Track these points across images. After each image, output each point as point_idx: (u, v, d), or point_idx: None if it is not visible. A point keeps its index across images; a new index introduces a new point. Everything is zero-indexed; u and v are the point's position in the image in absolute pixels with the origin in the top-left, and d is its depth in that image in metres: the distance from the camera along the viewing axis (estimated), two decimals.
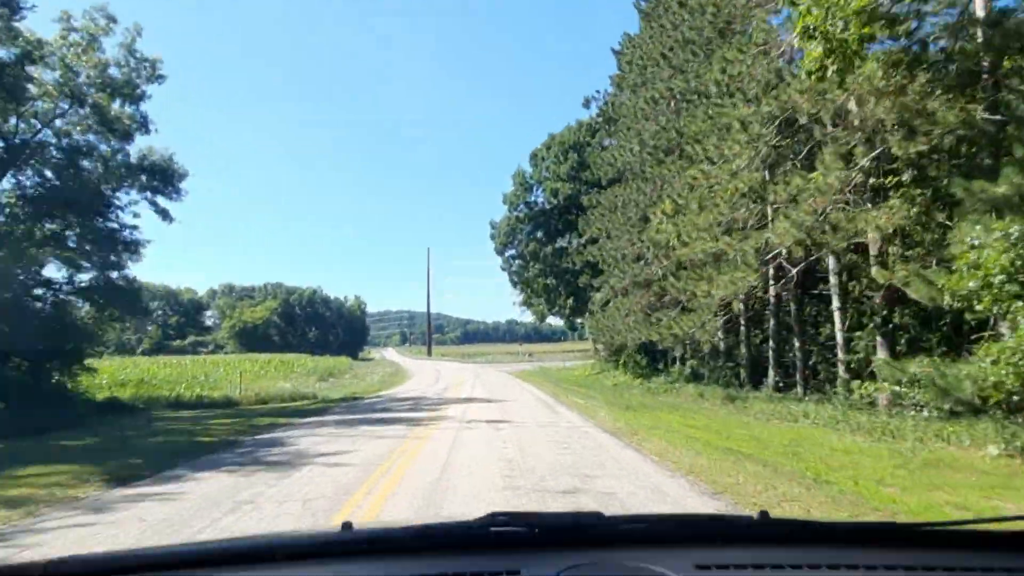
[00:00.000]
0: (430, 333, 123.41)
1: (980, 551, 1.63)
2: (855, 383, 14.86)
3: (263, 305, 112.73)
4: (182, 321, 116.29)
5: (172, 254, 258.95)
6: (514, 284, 41.66)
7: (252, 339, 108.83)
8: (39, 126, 20.63)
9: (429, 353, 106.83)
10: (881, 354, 14.67)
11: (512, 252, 42.62)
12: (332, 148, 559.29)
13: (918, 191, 13.54)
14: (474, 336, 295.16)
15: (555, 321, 59.29)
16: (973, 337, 11.68)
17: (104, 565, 1.59)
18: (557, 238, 39.79)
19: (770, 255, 17.01)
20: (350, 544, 1.71)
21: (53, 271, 21.07)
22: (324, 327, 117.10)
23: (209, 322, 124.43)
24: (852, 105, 12.78)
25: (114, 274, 22.14)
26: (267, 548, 1.70)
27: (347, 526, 1.77)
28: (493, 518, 1.64)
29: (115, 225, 22.27)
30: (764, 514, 1.76)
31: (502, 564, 1.52)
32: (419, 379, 38.92)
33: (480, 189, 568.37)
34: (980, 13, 11.40)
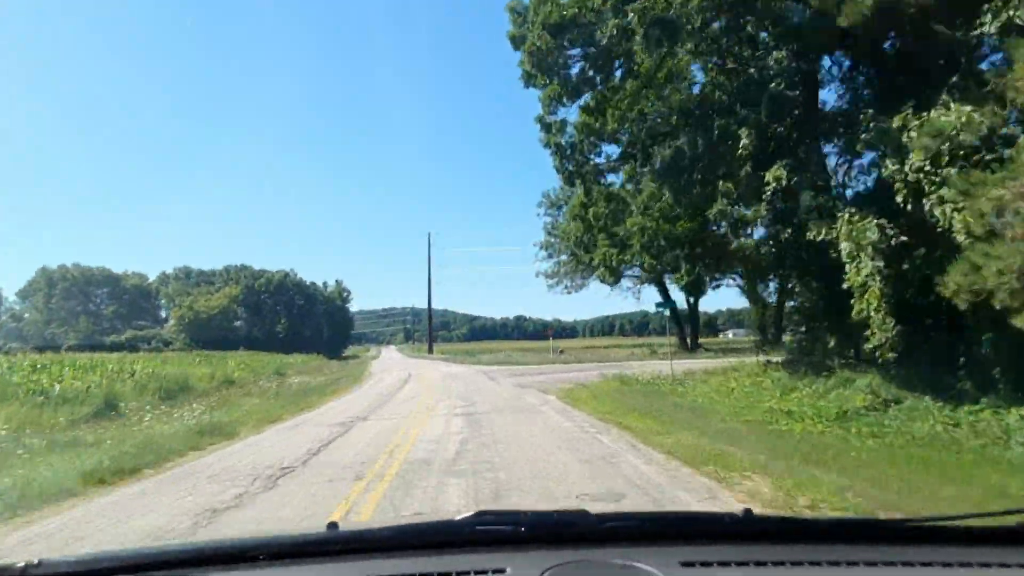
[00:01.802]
0: (431, 329, 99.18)
1: (959, 546, 1.59)
2: None
3: (222, 292, 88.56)
4: (122, 311, 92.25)
5: (122, 233, 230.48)
6: (569, 178, 15.49)
7: (207, 333, 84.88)
8: None
9: (430, 350, 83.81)
10: None
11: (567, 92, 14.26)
12: (327, 132, 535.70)
13: None
14: (481, 333, 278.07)
15: (644, 292, 35.84)
16: None
17: (83, 567, 1.52)
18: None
19: None
20: (335, 544, 1.63)
21: None
22: (299, 318, 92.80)
23: (164, 312, 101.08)
24: None
25: None
26: (251, 548, 1.61)
27: (333, 526, 1.70)
28: (479, 516, 1.62)
29: None
30: (748, 511, 1.71)
31: (488, 562, 1.48)
32: (311, 424, 14.05)
33: (486, 175, 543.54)
34: None
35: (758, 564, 1.47)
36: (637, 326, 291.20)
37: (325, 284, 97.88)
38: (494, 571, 1.44)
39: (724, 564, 1.47)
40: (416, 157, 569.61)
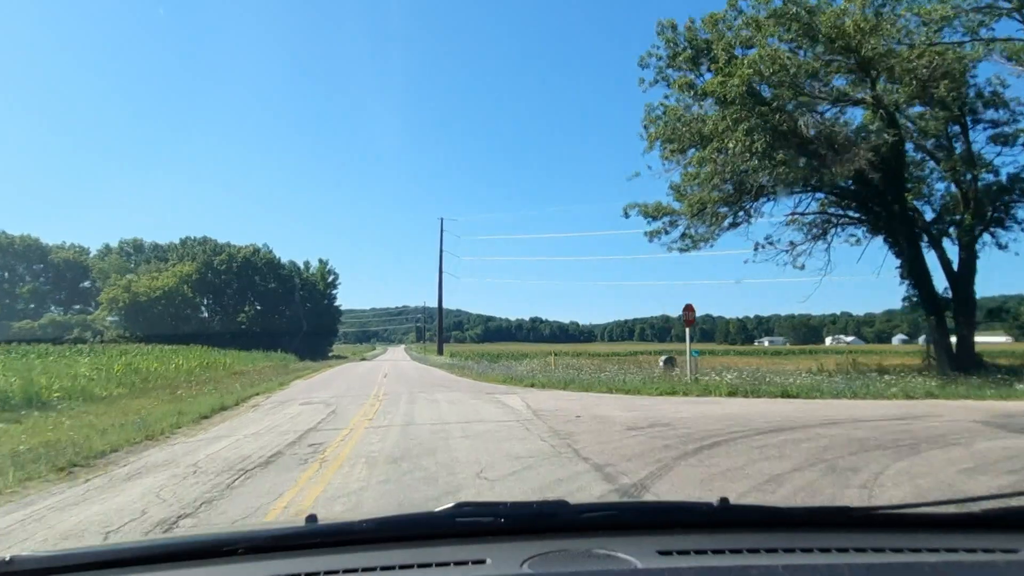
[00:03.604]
0: (441, 326, 77.05)
1: (927, 533, 1.60)
2: None
3: (171, 270, 66.28)
4: (49, 291, 70.26)
5: (73, 204, 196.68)
6: None
7: (150, 321, 62.92)
8: None
9: (440, 351, 63.23)
10: None
11: None
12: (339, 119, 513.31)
13: None
14: (496, 334, 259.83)
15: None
16: None
17: (57, 563, 1.43)
18: None
19: None
20: (314, 536, 1.57)
21: None
22: (272, 305, 70.31)
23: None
24: None
25: None
26: (229, 542, 1.53)
27: (312, 518, 1.64)
28: (459, 508, 1.59)
29: None
30: (724, 500, 1.69)
31: (468, 554, 1.44)
32: None
33: (503, 157, 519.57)
34: None
35: (733, 551, 1.45)
36: (659, 331, 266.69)
37: (307, 264, 75.13)
38: (474, 562, 1.40)
39: (700, 552, 1.44)
40: (431, 146, 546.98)
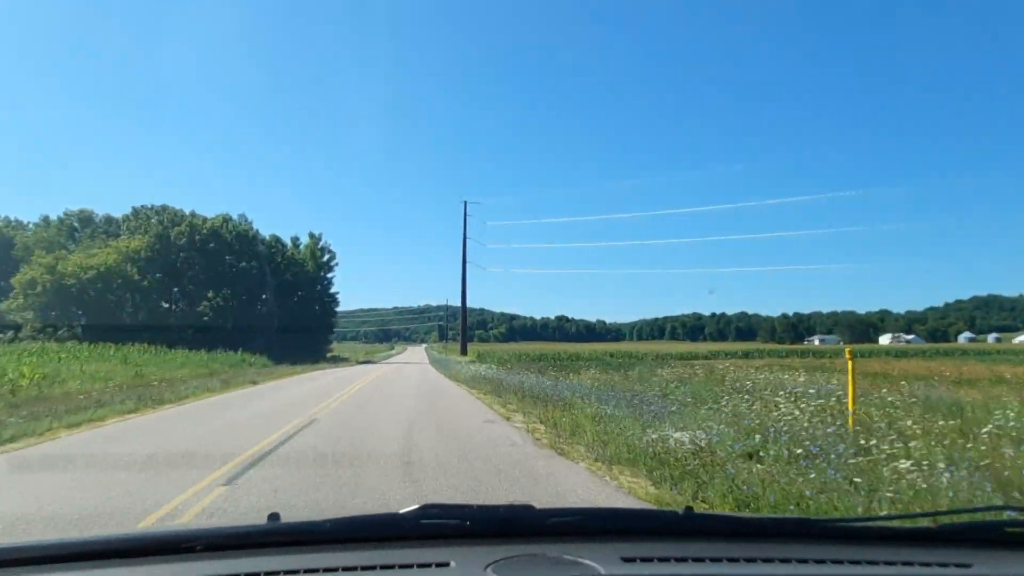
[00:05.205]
0: (464, 324, 61.31)
1: (883, 546, 1.61)
2: None
3: (114, 245, 49.75)
4: None
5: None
6: None
7: (85, 311, 46.74)
8: None
9: (463, 351, 51.99)
10: None
11: None
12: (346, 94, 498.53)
13: None
14: (520, 333, 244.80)
15: None
16: None
17: (10, 555, 1.40)
18: None
19: None
20: (276, 535, 1.52)
21: None
22: (248, 292, 53.38)
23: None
24: None
25: None
26: (187, 539, 1.48)
27: (274, 517, 1.58)
28: (425, 510, 1.55)
29: None
30: (688, 509, 1.67)
31: (432, 556, 1.43)
32: None
33: (524, 146, 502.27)
34: None
35: (696, 560, 1.44)
36: (690, 330, 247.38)
37: (295, 240, 57.77)
38: (438, 564, 1.38)
39: (664, 560, 1.44)
40: (449, 131, 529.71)
